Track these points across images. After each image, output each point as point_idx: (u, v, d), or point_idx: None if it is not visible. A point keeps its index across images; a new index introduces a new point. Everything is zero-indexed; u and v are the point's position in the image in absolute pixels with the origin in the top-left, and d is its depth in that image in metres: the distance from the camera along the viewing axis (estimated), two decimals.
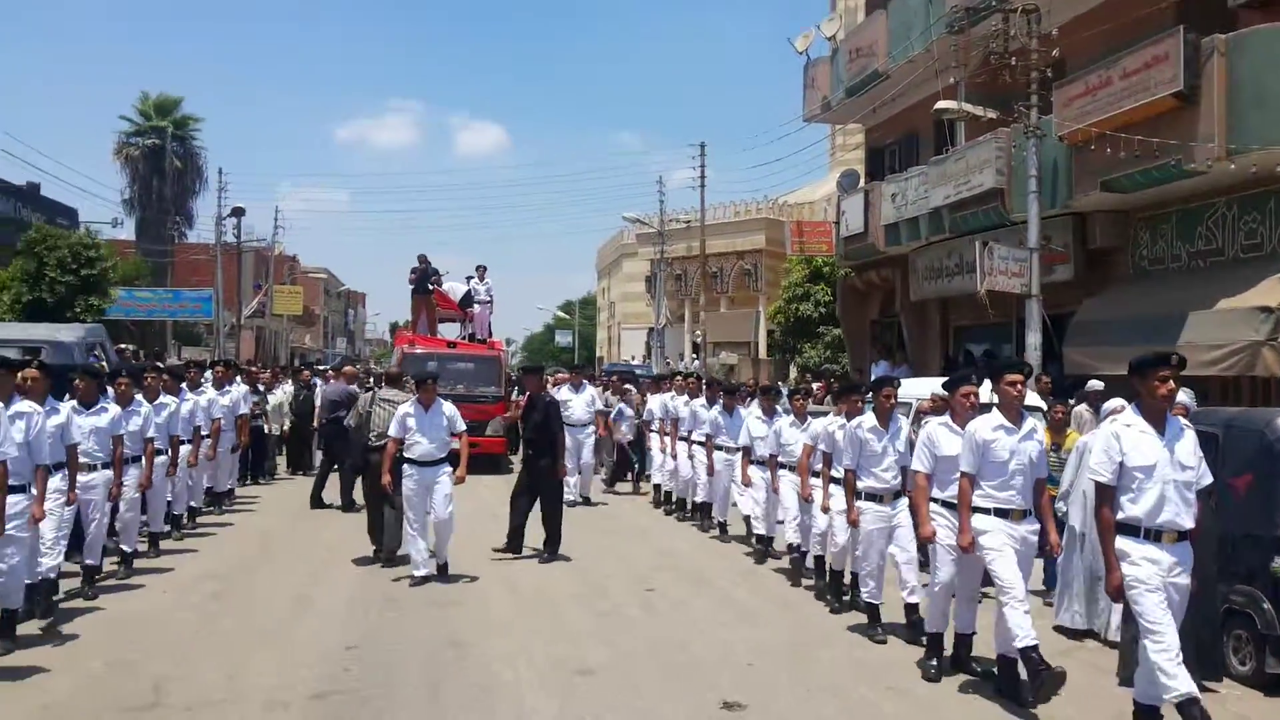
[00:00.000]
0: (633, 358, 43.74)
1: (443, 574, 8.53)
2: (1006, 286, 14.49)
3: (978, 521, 5.75)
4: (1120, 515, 4.98)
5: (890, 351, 21.17)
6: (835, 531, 7.63)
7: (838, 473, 7.63)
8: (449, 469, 8.62)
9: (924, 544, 6.38)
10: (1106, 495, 5.02)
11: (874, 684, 6.04)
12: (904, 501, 6.96)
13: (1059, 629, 7.16)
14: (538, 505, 9.74)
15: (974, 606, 6.19)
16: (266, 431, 15.26)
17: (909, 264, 19.94)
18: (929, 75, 17.26)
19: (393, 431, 8.57)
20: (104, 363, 12.58)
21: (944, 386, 6.84)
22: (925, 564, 6.80)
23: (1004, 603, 5.60)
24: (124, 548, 8.47)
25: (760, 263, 36.82)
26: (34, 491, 6.30)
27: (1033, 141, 14.21)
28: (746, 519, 10.47)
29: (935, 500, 6.18)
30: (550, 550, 9.65)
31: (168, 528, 9.93)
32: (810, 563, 8.68)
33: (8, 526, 5.88)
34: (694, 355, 35.81)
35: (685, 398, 12.75)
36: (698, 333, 35.97)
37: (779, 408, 10.16)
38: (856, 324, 23.93)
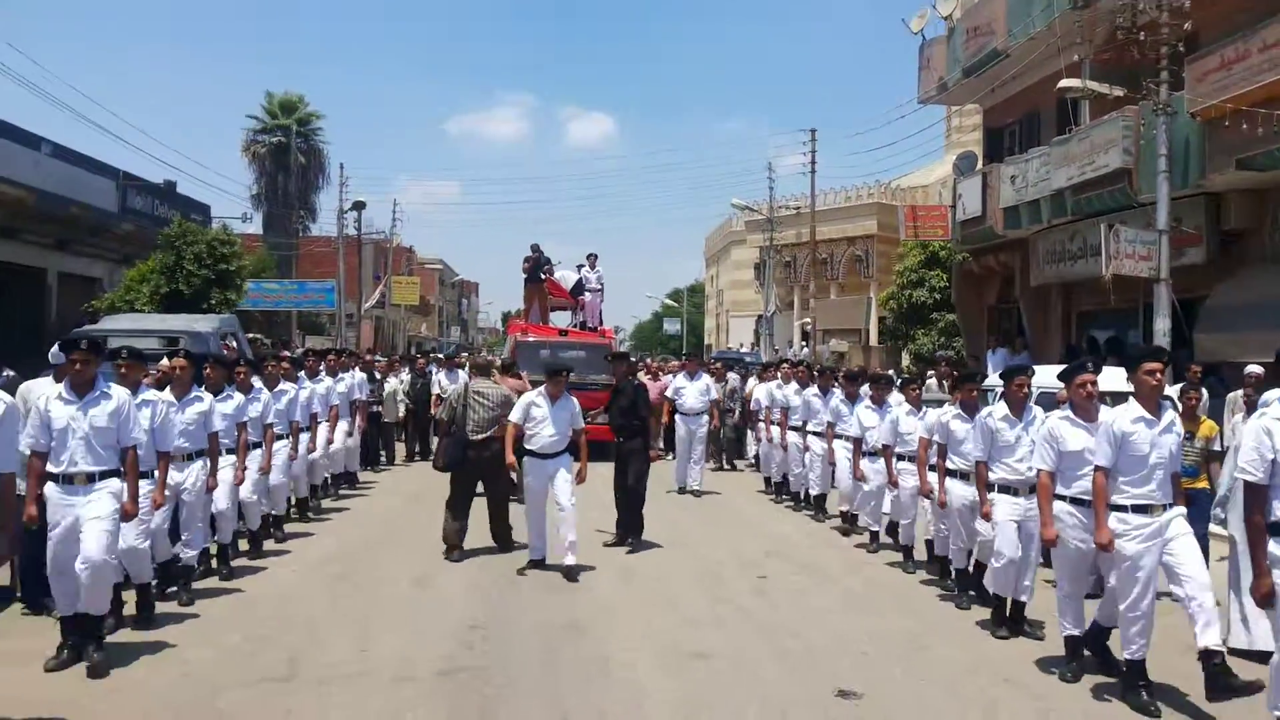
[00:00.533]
0: (740, 345, 43.61)
1: (569, 575, 8.17)
2: (1133, 270, 13.97)
3: (1115, 521, 5.45)
4: (1273, 517, 4.63)
5: (1009, 338, 20.61)
6: (959, 528, 7.44)
7: (953, 464, 7.46)
8: (570, 460, 8.54)
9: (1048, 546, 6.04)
10: (1258, 496, 4.66)
11: (991, 676, 5.95)
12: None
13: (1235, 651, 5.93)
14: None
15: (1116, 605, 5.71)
16: (383, 419, 15.66)
17: (1029, 248, 19.36)
18: (1051, 53, 16.69)
19: (515, 417, 8.48)
20: (238, 351, 13.26)
21: (1059, 377, 6.48)
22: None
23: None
24: (250, 528, 8.76)
25: (872, 248, 36.28)
26: (156, 477, 6.43)
27: (1162, 119, 13.64)
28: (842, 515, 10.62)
29: (1061, 498, 5.87)
30: (634, 536, 9.61)
31: (291, 511, 10.36)
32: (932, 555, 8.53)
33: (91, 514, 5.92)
34: (803, 343, 35.51)
35: (795, 386, 12.50)
36: (807, 320, 35.62)
37: (890, 399, 9.87)
38: (973, 310, 23.36)
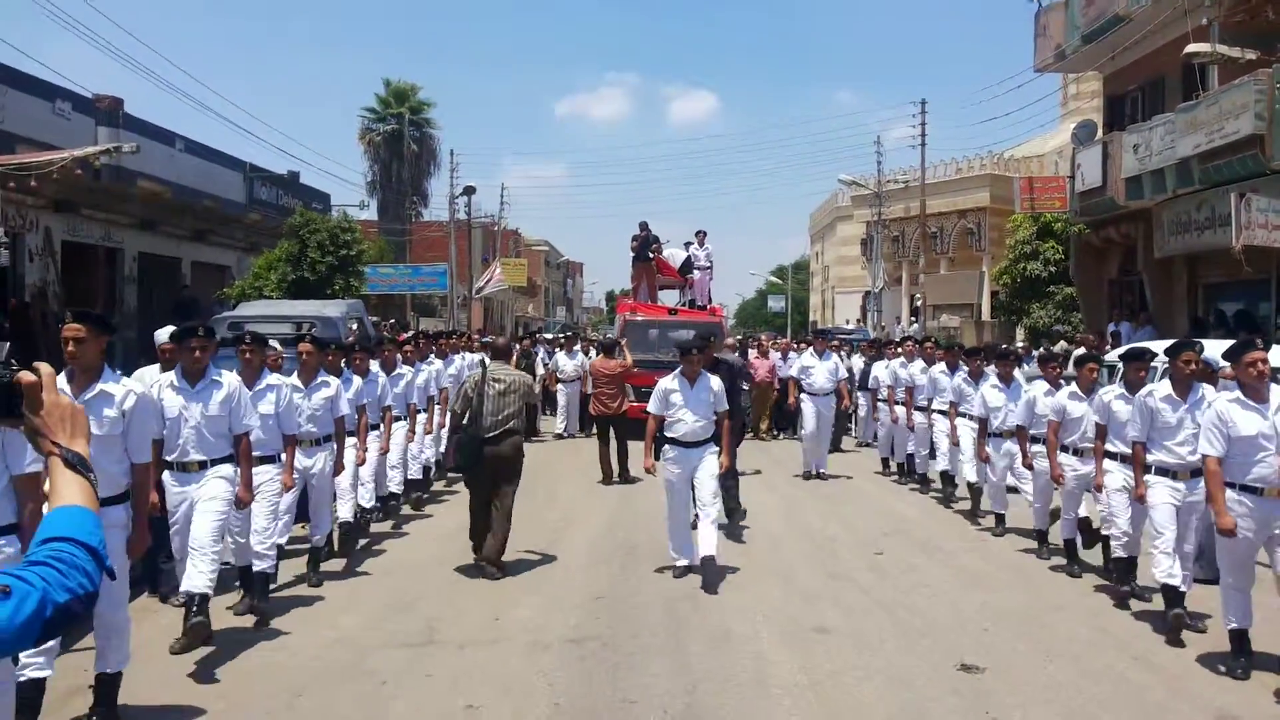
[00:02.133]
0: (847, 321, 43.11)
1: (708, 585, 7.21)
2: (1266, 241, 13.42)
3: None
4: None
5: (1133, 312, 19.94)
6: (1115, 513, 6.99)
7: (1113, 447, 7.00)
8: (715, 449, 7.74)
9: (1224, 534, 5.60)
10: None
11: (1119, 653, 5.93)
12: (1202, 482, 6.07)
13: None
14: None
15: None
16: None
17: (1153, 218, 18.65)
18: (1177, 16, 16.05)
19: (653, 407, 7.76)
20: (362, 335, 13.81)
21: (1225, 355, 6.14)
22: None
23: None
24: (362, 503, 8.68)
25: (984, 221, 35.34)
26: (283, 460, 6.59)
27: None
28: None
29: (1231, 485, 5.54)
30: (732, 520, 9.22)
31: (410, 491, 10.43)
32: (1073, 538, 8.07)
33: (258, 492, 6.23)
34: (912, 318, 34.91)
35: (920, 364, 12.06)
36: (916, 295, 35.01)
37: (1018, 375, 9.59)
38: (1092, 284, 22.65)
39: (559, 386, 17.37)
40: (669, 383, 7.72)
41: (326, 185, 50.27)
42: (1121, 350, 8.12)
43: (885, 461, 13.46)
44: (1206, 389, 6.48)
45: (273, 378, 6.60)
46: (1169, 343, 11.37)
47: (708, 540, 7.42)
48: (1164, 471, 6.36)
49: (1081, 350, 13.69)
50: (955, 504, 10.87)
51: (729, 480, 9.12)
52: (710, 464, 7.64)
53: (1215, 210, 15.78)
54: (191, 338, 5.82)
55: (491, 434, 7.53)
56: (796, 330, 55.74)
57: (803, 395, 13.09)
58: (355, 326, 13.55)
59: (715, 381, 7.74)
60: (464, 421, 7.67)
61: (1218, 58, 14.13)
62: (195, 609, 5.55)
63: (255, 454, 6.18)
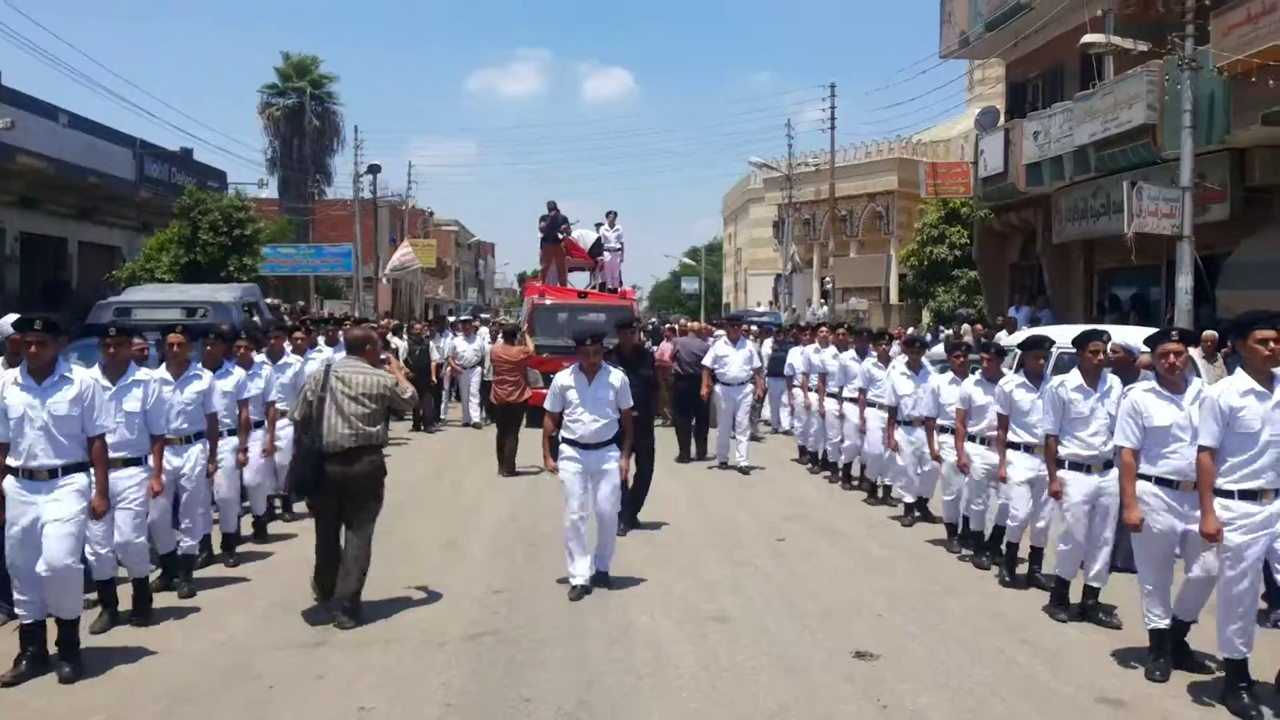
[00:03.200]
0: (759, 304, 43.51)
1: (603, 582, 6.98)
2: (1156, 228, 13.85)
3: (1219, 509, 4.94)
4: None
5: (1031, 296, 20.50)
6: (1015, 504, 7.01)
7: (1015, 437, 7.00)
8: (617, 453, 7.06)
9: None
10: None
11: (1008, 636, 6.03)
12: (1114, 473, 6.05)
13: None
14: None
15: (1206, 595, 5.36)
16: None
17: (1051, 204, 19.19)
18: (1075, 6, 16.49)
19: (549, 405, 7.09)
20: (261, 319, 13.37)
21: (1146, 343, 5.98)
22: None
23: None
24: (255, 513, 8.38)
25: (892, 204, 35.97)
26: (151, 464, 6.06)
27: (1187, 74, 13.44)
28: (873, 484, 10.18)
29: (1146, 478, 5.41)
30: (631, 524, 8.61)
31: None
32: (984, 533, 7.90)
33: (122, 499, 5.82)
34: (822, 301, 35.38)
35: (833, 350, 11.80)
36: (827, 279, 35.49)
37: (925, 363, 9.47)
38: (995, 267, 23.23)
39: (458, 375, 16.64)
40: (565, 378, 7.05)
41: (223, 163, 48.79)
42: (1021, 339, 8.10)
43: (802, 449, 13.10)
44: (1113, 378, 6.43)
45: (140, 372, 6.09)
46: (1071, 329, 11.66)
47: (606, 553, 7.06)
48: (1077, 465, 6.26)
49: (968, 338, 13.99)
50: (860, 494, 10.74)
51: (645, 483, 8.94)
52: (612, 472, 6.99)
53: (1110, 197, 16.26)
54: (28, 330, 5.23)
55: (336, 450, 5.99)
56: (710, 312, 56.08)
57: (717, 387, 12.54)
58: (250, 313, 13.13)
59: (616, 376, 7.07)
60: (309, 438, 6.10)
61: (1112, 49, 14.51)
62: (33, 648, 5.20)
63: (122, 455, 5.81)
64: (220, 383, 7.36)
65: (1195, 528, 5.11)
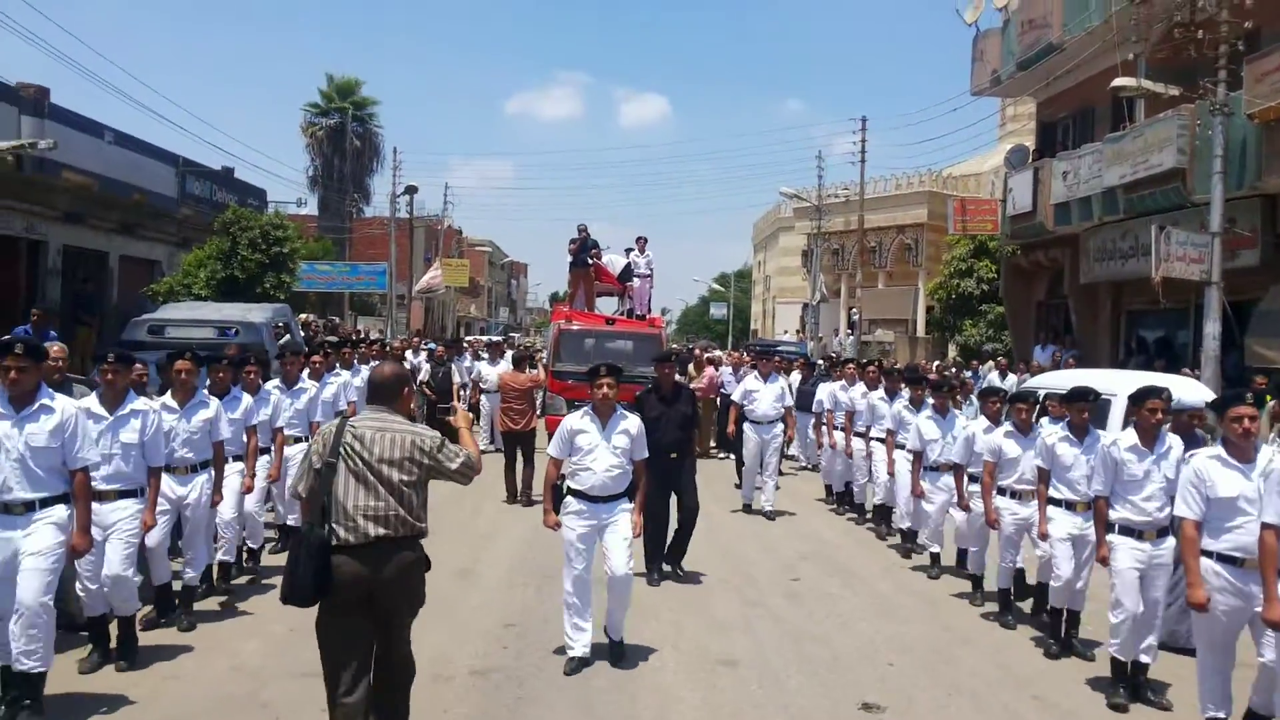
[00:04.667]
0: (785, 332, 43.50)
1: (615, 656, 6.23)
2: (1184, 273, 13.80)
3: None
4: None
5: (1058, 335, 20.42)
6: (1058, 563, 6.65)
7: (1056, 493, 6.73)
8: (628, 506, 6.37)
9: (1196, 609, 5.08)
10: None
11: (1018, 692, 6.03)
12: (1171, 541, 5.81)
13: None
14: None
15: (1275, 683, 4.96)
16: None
17: (1079, 244, 19.15)
18: (1107, 48, 16.50)
19: (554, 450, 6.39)
20: (293, 340, 13.56)
21: (1212, 406, 5.66)
22: None
23: None
24: (251, 545, 8.05)
25: (921, 237, 35.92)
26: (146, 496, 5.85)
27: (1219, 119, 13.42)
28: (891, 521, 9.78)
29: (1208, 554, 5.03)
30: (678, 566, 8.50)
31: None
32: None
33: (114, 530, 5.67)
34: (849, 331, 35.32)
35: (862, 388, 11.46)
36: (854, 309, 35.44)
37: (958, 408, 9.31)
38: (1021, 305, 23.16)
39: (481, 397, 16.22)
40: (576, 420, 6.32)
41: (264, 181, 49.32)
42: (1065, 391, 7.64)
43: (829, 489, 12.73)
44: (1173, 439, 6.10)
45: (139, 401, 5.90)
46: (1098, 374, 11.53)
47: (616, 621, 6.32)
48: (1128, 530, 5.87)
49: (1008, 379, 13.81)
50: (888, 539, 10.49)
51: (690, 525, 8.44)
52: (623, 525, 6.25)
53: (1138, 240, 16.23)
54: (6, 355, 4.88)
55: (356, 543, 4.10)
56: (738, 339, 56.07)
57: (745, 424, 11.90)
58: (284, 338, 13.30)
59: (633, 422, 6.40)
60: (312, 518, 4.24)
61: (1143, 93, 14.52)
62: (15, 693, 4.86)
63: (116, 486, 5.71)
64: (228, 413, 7.12)
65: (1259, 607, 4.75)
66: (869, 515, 11.14)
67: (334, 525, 4.13)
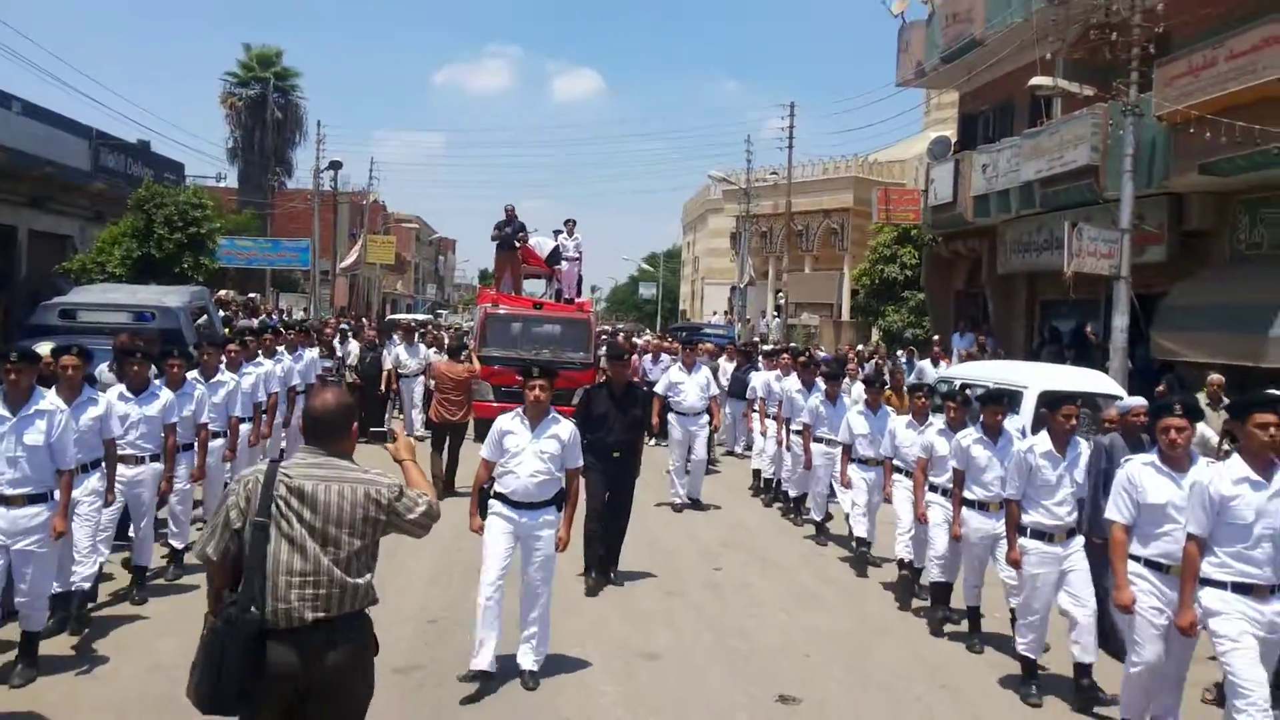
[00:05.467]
0: (714, 313, 43.81)
1: (528, 682, 5.86)
2: (1095, 268, 14.26)
3: (1208, 598, 4.67)
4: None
5: (975, 324, 20.97)
6: (973, 564, 6.98)
7: (971, 494, 6.86)
8: (555, 516, 6.08)
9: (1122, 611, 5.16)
10: None
11: (929, 682, 6.27)
12: (1078, 541, 6.11)
13: None
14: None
15: (1179, 693, 5.19)
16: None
17: (997, 236, 19.67)
18: (1027, 45, 16.85)
19: (485, 452, 6.09)
20: (211, 324, 13.25)
21: (1153, 413, 5.73)
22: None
23: (1239, 709, 4.46)
24: (174, 544, 7.70)
25: (847, 222, 36.41)
26: (57, 499, 5.61)
27: (1130, 120, 13.85)
28: (846, 517, 9.48)
29: (1136, 559, 5.13)
30: (614, 568, 8.26)
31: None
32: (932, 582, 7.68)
33: (24, 543, 5.44)
34: (775, 314, 35.75)
35: (795, 379, 11.37)
36: (780, 294, 35.87)
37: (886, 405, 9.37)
38: (941, 293, 23.72)
39: (399, 384, 15.54)
40: (507, 422, 6.06)
41: (182, 155, 47.84)
42: (980, 392, 7.80)
43: (756, 474, 12.86)
44: (1083, 444, 6.31)
45: (45, 401, 5.59)
46: (1007, 365, 11.85)
47: (530, 649, 5.90)
48: (1040, 534, 6.04)
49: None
50: (801, 528, 10.69)
51: (622, 525, 8.28)
52: (546, 540, 5.98)
53: (1053, 233, 16.71)
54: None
55: (285, 628, 3.30)
56: (666, 319, 56.33)
57: (670, 415, 11.73)
58: (201, 318, 12.97)
59: (565, 428, 6.07)
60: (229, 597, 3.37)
61: (1059, 92, 14.92)
62: None
63: (24, 491, 5.45)
64: (144, 408, 6.93)
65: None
66: (793, 505, 11.21)
67: (266, 606, 3.28)
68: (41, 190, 20.29)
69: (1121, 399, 10.68)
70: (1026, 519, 6.09)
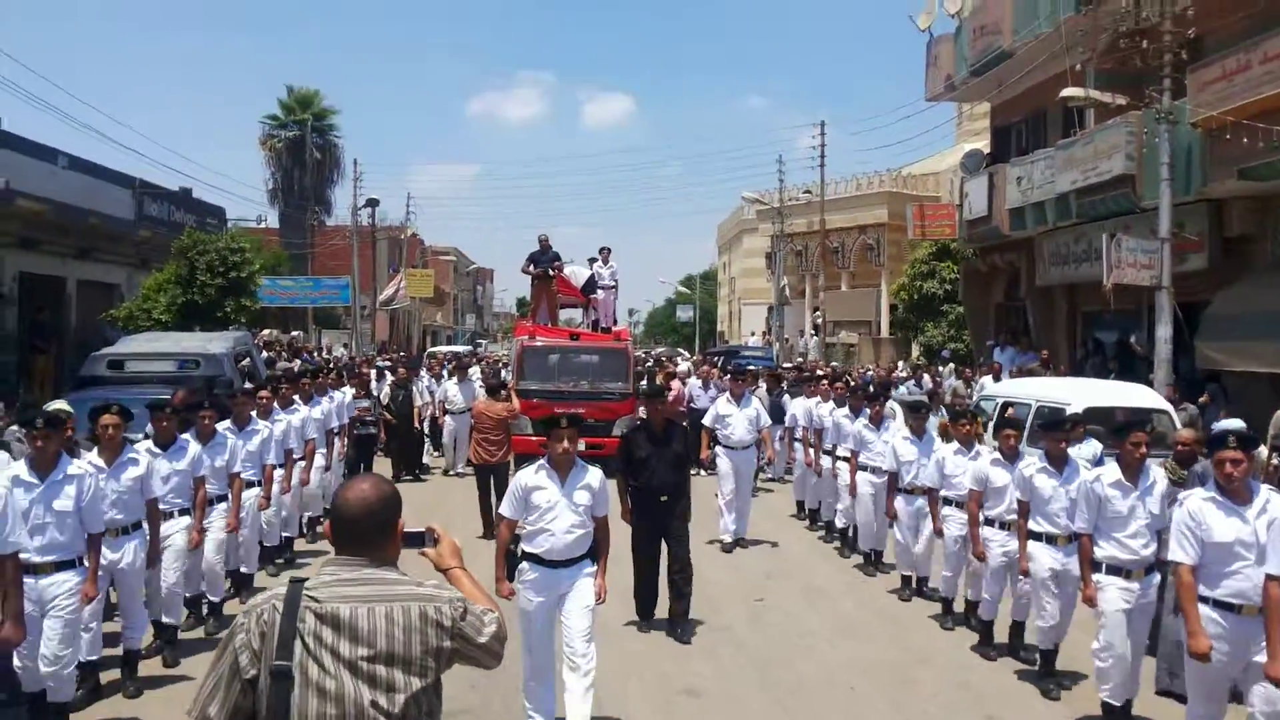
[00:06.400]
0: (752, 333, 43.72)
1: None
2: (1135, 279, 14.08)
3: None
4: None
5: (1015, 337, 20.74)
6: (1044, 601, 6.49)
7: (1038, 526, 6.52)
8: (591, 568, 5.70)
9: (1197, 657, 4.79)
10: None
11: (973, 712, 6.18)
12: (1156, 578, 5.81)
13: None
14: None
15: None
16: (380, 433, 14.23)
17: (1035, 248, 19.47)
18: (1057, 55, 16.74)
19: (507, 510, 5.66)
20: (254, 369, 13.49)
21: (1209, 445, 5.48)
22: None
23: None
24: (211, 598, 7.61)
25: (883, 237, 36.22)
26: (86, 566, 5.52)
27: (1164, 127, 13.69)
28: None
29: (1204, 600, 4.80)
30: (683, 622, 7.68)
31: (259, 567, 8.80)
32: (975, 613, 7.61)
33: (52, 610, 5.33)
34: (813, 333, 35.59)
35: (831, 405, 11.31)
36: (817, 312, 35.73)
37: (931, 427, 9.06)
38: (979, 307, 23.51)
39: (445, 419, 15.75)
40: (530, 476, 5.60)
41: (222, 199, 48.75)
42: (1042, 420, 7.59)
43: (800, 504, 12.63)
44: (1157, 472, 5.93)
45: (74, 465, 5.56)
46: (1064, 383, 11.67)
47: (578, 703, 5.42)
48: (1115, 569, 5.67)
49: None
50: (850, 558, 10.43)
51: (687, 571, 7.70)
52: (584, 592, 5.54)
53: (1091, 244, 16.53)
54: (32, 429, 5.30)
55: None
56: (704, 341, 56.28)
57: (718, 449, 11.17)
58: (245, 363, 13.23)
59: (594, 475, 5.65)
60: None
61: (1091, 102, 14.77)
62: None
63: (53, 559, 5.37)
64: (173, 463, 6.84)
65: (1259, 659, 4.52)
66: (838, 537, 10.95)
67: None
68: (88, 241, 20.81)
69: (1165, 412, 10.55)
70: (1100, 554, 5.72)
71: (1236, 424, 7.62)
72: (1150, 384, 12.81)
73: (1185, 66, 13.75)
